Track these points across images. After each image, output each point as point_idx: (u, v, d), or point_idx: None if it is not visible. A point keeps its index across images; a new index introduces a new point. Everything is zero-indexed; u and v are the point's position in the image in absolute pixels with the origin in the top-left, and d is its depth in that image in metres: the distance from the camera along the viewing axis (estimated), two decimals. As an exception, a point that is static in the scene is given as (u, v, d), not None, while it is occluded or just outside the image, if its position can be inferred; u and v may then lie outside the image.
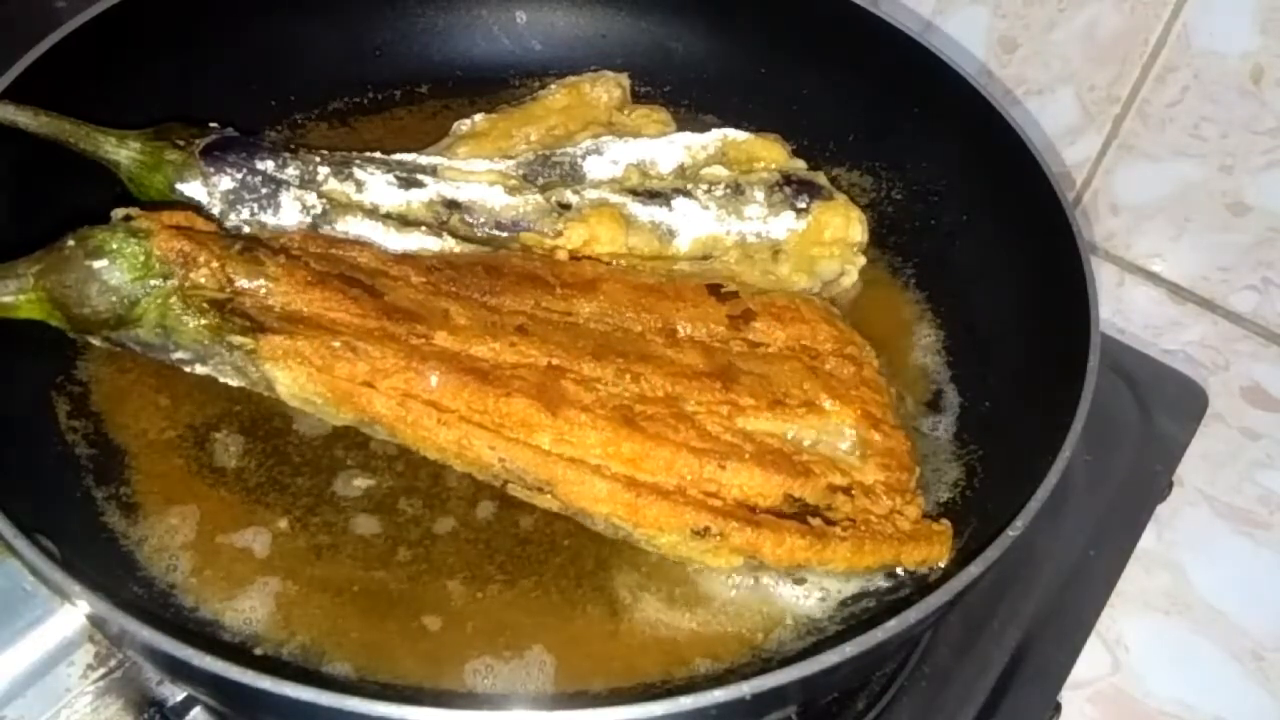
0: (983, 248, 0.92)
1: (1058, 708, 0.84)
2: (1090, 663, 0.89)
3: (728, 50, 1.05)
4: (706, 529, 0.70)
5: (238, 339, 0.73)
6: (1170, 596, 0.97)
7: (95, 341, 0.76)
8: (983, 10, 1.09)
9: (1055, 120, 1.10)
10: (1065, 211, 0.82)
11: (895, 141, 0.99)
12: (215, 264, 0.73)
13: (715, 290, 0.83)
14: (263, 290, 0.74)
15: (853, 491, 0.74)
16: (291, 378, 0.73)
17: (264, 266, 0.74)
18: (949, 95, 0.92)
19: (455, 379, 0.72)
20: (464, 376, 0.72)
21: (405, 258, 0.81)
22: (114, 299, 0.71)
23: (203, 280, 0.72)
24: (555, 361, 0.75)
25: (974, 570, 0.64)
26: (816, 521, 0.72)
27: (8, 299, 0.70)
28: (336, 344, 0.72)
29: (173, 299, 0.72)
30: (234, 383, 0.76)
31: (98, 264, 0.70)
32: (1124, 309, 1.13)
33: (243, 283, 0.73)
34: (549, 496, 0.73)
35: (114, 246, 0.71)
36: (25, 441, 0.75)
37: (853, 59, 0.98)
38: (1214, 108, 1.01)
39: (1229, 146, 1.02)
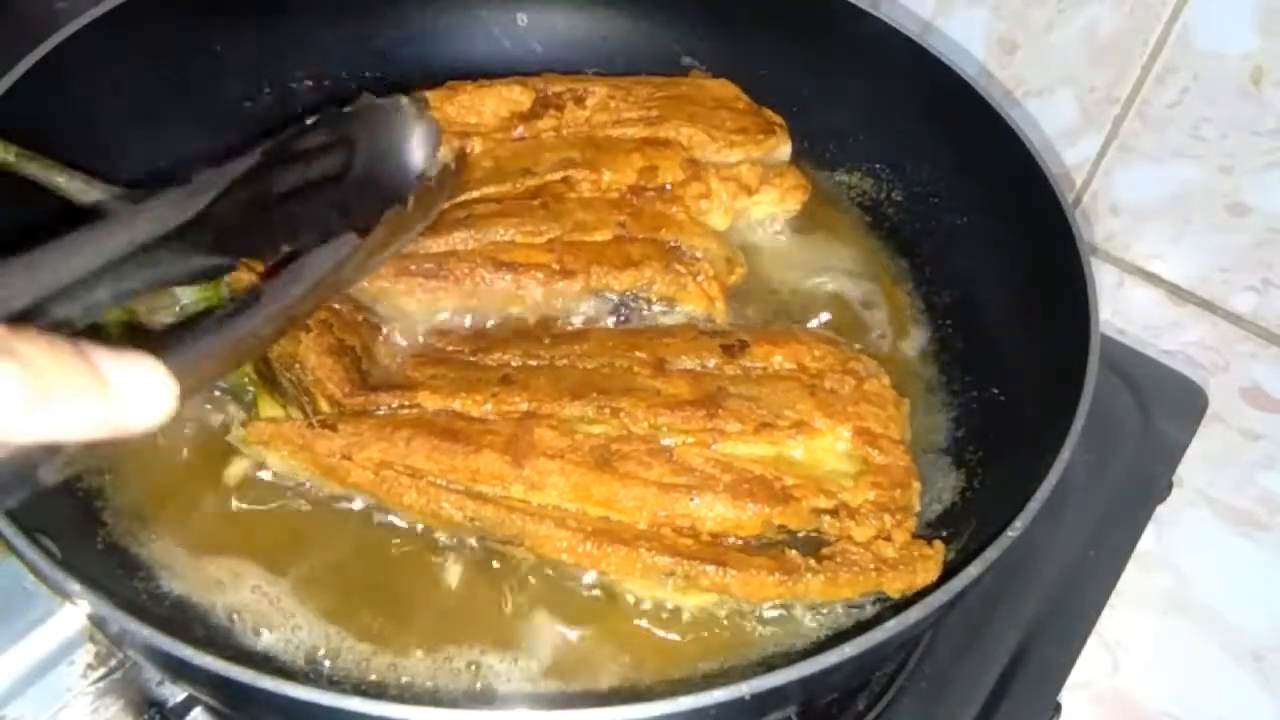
0: (983, 248, 0.92)
1: (1058, 708, 0.84)
2: (1090, 663, 0.89)
3: (728, 52, 1.05)
4: (672, 572, 0.70)
5: (233, 409, 0.78)
6: (1170, 597, 0.97)
7: None
8: (982, 11, 1.09)
9: (1055, 121, 1.10)
10: (1065, 212, 0.82)
11: (895, 142, 0.99)
12: None
13: (707, 331, 0.84)
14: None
15: (839, 514, 0.73)
16: (277, 457, 0.75)
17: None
18: (949, 96, 0.92)
19: (425, 442, 0.73)
20: (433, 439, 0.73)
21: (401, 339, 0.83)
22: (179, 315, 0.75)
23: None
24: (534, 408, 0.75)
25: (974, 570, 0.64)
26: (793, 553, 0.72)
27: None
28: (314, 423, 0.74)
29: None
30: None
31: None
32: (1124, 310, 1.13)
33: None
34: (524, 549, 0.73)
35: None
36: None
37: (853, 60, 0.98)
38: (1213, 109, 1.01)
39: (1229, 147, 1.02)
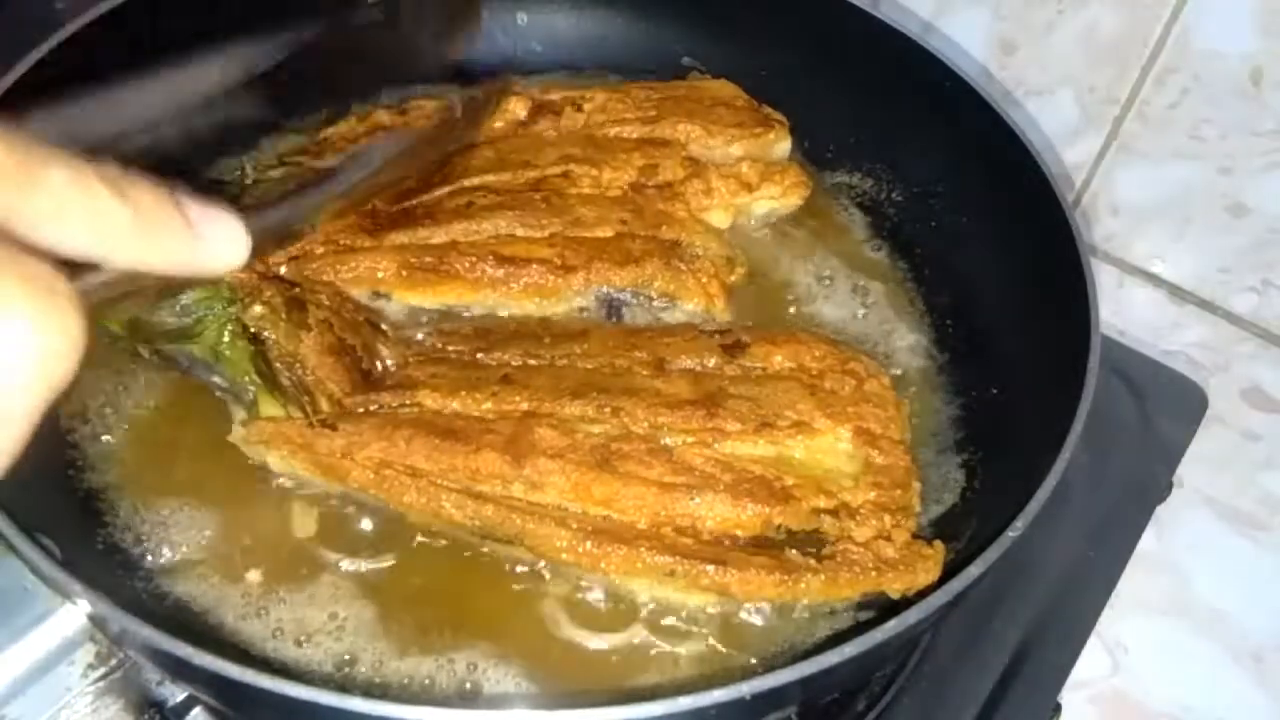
0: (983, 248, 0.92)
1: (1058, 708, 0.84)
2: (1090, 663, 0.89)
3: (728, 52, 1.05)
4: (672, 571, 0.70)
5: (233, 408, 0.77)
6: (1170, 597, 0.97)
7: (143, 353, 0.77)
8: (982, 12, 1.09)
9: (1055, 121, 1.10)
10: (1065, 212, 0.82)
11: (895, 142, 0.99)
12: (277, 300, 0.75)
13: (707, 331, 0.84)
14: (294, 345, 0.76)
15: (839, 514, 0.73)
16: (278, 456, 0.75)
17: (306, 315, 0.76)
18: (949, 96, 0.92)
19: (425, 441, 0.73)
20: (433, 438, 0.73)
21: (402, 338, 0.82)
22: (181, 312, 0.74)
23: (258, 312, 0.75)
24: (534, 407, 0.75)
25: (974, 570, 0.64)
26: (794, 553, 0.72)
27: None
28: (315, 423, 0.74)
29: (230, 324, 0.75)
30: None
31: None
32: (1124, 310, 1.13)
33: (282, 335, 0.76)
34: (524, 549, 0.73)
35: None
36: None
37: (853, 60, 0.98)
38: (1213, 109, 1.01)
39: (1228, 148, 1.02)
